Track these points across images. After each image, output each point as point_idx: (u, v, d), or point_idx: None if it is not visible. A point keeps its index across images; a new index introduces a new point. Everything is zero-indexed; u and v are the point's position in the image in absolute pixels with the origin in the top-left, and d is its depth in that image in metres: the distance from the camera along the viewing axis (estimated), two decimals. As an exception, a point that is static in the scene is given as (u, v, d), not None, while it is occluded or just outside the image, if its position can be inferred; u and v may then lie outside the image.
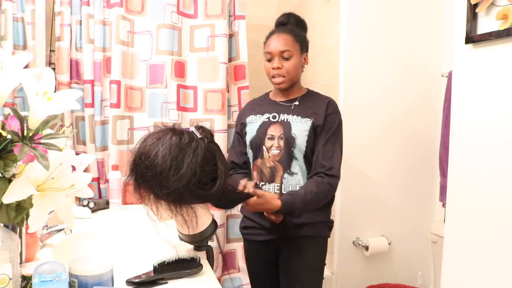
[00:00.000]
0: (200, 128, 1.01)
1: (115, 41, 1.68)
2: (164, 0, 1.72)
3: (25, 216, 0.66)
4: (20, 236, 0.86)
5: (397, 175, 2.14)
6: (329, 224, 1.46)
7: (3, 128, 0.63)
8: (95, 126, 1.75)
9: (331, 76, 2.10)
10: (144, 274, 0.94)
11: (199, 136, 0.98)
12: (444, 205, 1.82)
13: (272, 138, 1.38)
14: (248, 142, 1.42)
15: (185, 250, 1.13)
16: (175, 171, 0.91)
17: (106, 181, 1.74)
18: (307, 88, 1.48)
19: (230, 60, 1.86)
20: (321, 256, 1.44)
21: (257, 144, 1.39)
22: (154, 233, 1.05)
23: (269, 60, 1.39)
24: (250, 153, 1.43)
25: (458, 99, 1.43)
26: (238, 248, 1.90)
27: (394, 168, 2.13)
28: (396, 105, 2.09)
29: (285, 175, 1.36)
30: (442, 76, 2.07)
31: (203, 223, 1.06)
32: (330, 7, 2.13)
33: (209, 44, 1.79)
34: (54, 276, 0.67)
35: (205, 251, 1.12)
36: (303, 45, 1.41)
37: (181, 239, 1.12)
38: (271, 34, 1.42)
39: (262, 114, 1.42)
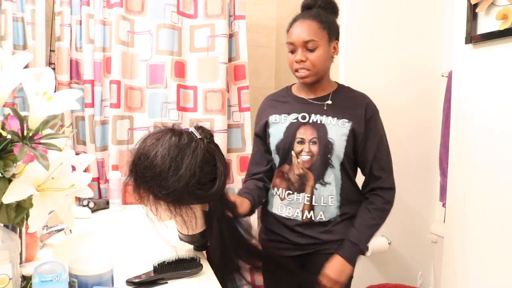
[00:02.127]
0: (199, 128, 1.00)
1: (115, 41, 1.68)
2: (164, 0, 1.72)
3: (25, 216, 0.66)
4: (20, 236, 0.87)
5: (397, 175, 2.13)
6: None
7: (3, 128, 0.63)
8: (95, 126, 1.75)
9: (331, 76, 2.09)
10: (144, 274, 0.94)
11: (198, 137, 0.98)
12: (444, 205, 1.82)
13: (302, 142, 1.23)
14: (273, 146, 1.27)
15: (185, 250, 1.13)
16: (174, 171, 0.90)
17: (106, 181, 1.74)
18: (337, 82, 1.34)
19: (230, 60, 1.86)
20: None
21: (285, 149, 1.24)
22: (154, 233, 1.06)
23: (292, 52, 1.21)
24: (276, 158, 1.28)
25: (458, 99, 1.43)
26: (238, 248, 1.89)
27: (394, 168, 2.12)
28: (396, 105, 2.09)
29: (317, 185, 1.22)
30: (442, 76, 2.06)
31: (203, 223, 1.06)
32: (330, 7, 2.13)
33: (209, 44, 1.79)
34: (54, 276, 0.67)
35: (205, 251, 1.12)
36: (332, 32, 1.21)
37: (181, 239, 1.12)
38: (294, 20, 1.22)
39: (289, 114, 1.26)
